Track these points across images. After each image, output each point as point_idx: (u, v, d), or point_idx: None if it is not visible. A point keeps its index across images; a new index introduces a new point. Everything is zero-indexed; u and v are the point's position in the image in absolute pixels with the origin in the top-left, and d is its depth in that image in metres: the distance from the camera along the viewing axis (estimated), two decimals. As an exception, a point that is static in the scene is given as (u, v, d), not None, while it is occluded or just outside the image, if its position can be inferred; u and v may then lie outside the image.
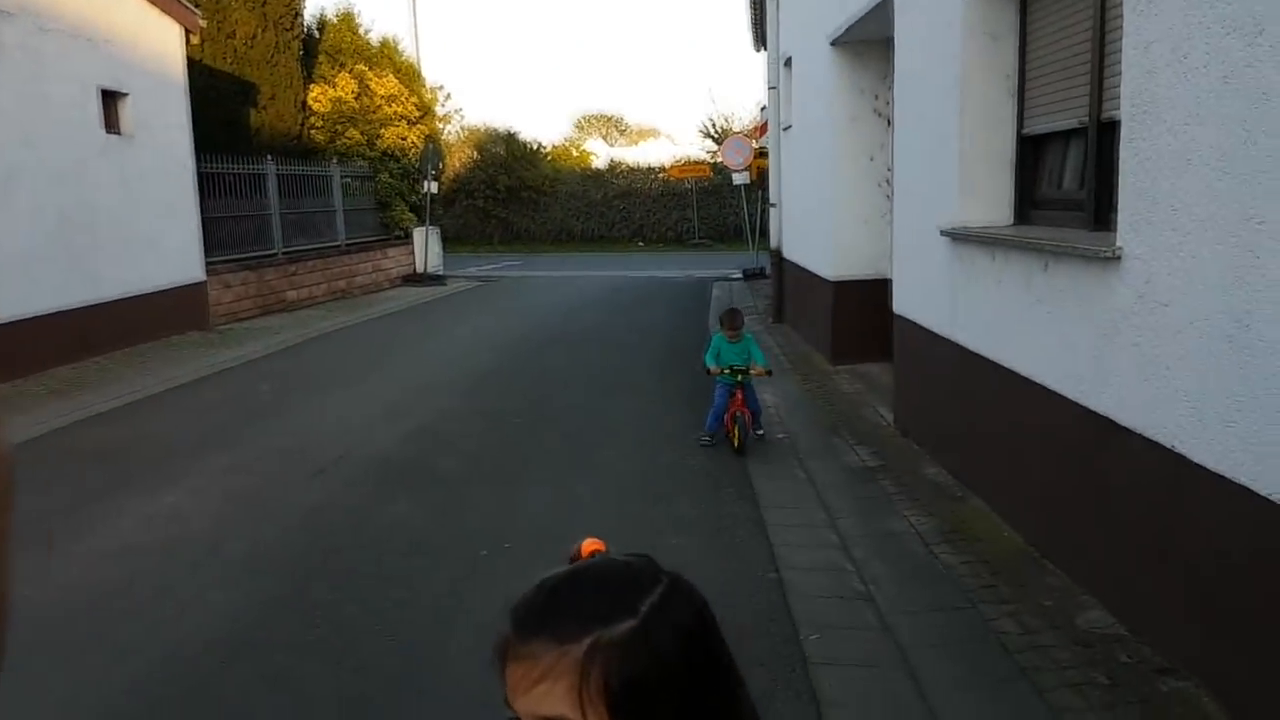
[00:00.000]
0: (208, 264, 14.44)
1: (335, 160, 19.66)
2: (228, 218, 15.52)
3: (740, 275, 20.55)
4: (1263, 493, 3.12)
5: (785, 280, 14.02)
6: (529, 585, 0.96)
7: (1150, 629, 3.87)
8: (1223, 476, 3.33)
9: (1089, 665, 3.74)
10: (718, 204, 32.76)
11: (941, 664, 3.85)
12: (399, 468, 6.95)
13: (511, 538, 5.44)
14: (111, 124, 12.49)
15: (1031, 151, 5.61)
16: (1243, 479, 3.22)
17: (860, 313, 9.70)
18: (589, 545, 1.04)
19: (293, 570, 5.09)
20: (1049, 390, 4.72)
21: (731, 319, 7.29)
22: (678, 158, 35.27)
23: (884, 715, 3.52)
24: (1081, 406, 4.37)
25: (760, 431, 7.29)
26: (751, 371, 7.09)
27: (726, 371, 7.01)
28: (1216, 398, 3.37)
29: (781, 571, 4.85)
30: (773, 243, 14.93)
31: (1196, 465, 3.48)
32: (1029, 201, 5.66)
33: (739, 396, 6.99)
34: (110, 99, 12.49)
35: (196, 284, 14.12)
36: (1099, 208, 4.64)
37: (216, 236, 15.00)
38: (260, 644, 4.23)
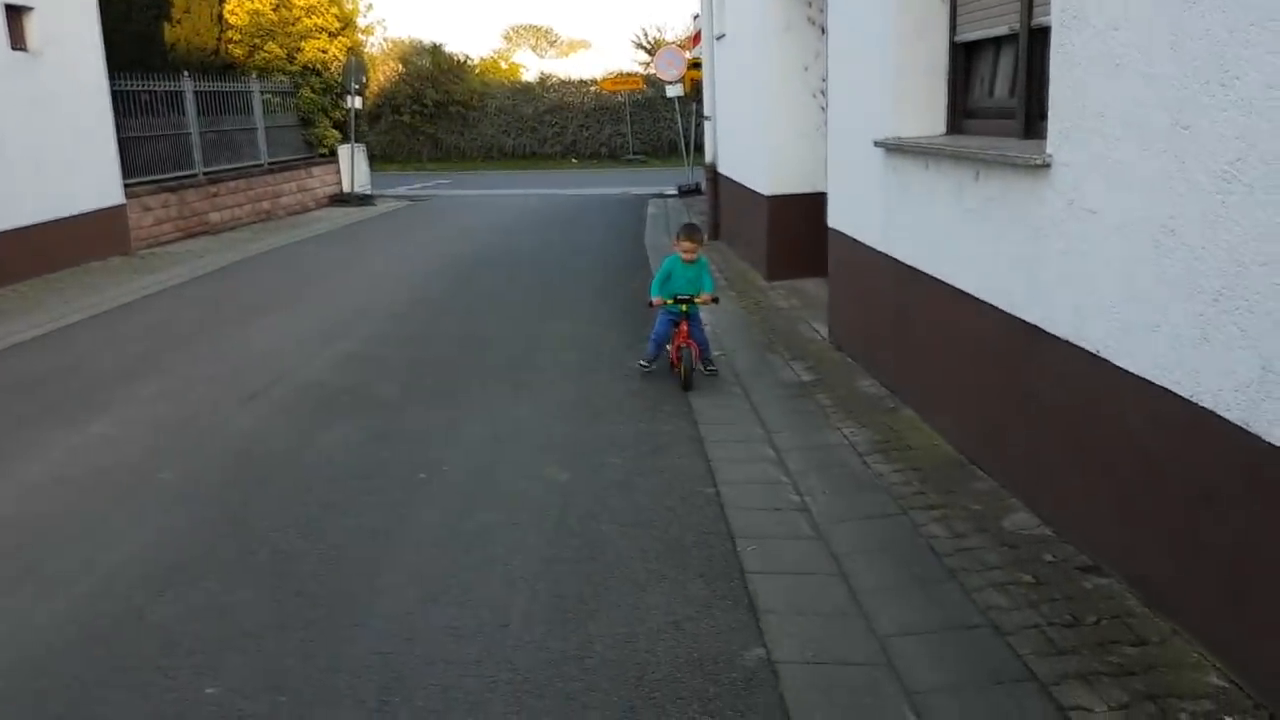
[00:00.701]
0: (126, 186, 13.91)
1: (255, 76, 18.96)
2: (145, 138, 14.95)
3: (675, 192, 20.37)
4: (1185, 395, 3.20)
5: (721, 196, 13.93)
6: None
7: (1074, 530, 4.00)
8: (1146, 380, 3.41)
9: (1015, 566, 3.86)
10: (652, 118, 32.39)
11: (874, 569, 3.95)
12: (333, 393, 6.85)
13: (450, 460, 5.42)
14: (17, 40, 11.85)
15: (965, 59, 5.58)
16: (1165, 382, 3.30)
17: (796, 228, 9.70)
18: None
19: (228, 498, 5.02)
20: (979, 300, 4.78)
21: (690, 234, 6.87)
22: (610, 70, 34.74)
23: (819, 620, 3.60)
24: (1010, 315, 4.43)
25: (712, 369, 6.81)
26: (698, 300, 6.66)
27: (671, 302, 6.62)
28: (1142, 303, 3.43)
29: (719, 486, 4.91)
30: (708, 157, 14.79)
31: (1121, 370, 3.56)
32: (962, 111, 5.65)
33: (684, 328, 6.58)
34: (14, 14, 11.83)
35: (115, 207, 13.61)
36: (1030, 115, 4.64)
37: (134, 158, 14.46)
38: (197, 572, 4.17)
